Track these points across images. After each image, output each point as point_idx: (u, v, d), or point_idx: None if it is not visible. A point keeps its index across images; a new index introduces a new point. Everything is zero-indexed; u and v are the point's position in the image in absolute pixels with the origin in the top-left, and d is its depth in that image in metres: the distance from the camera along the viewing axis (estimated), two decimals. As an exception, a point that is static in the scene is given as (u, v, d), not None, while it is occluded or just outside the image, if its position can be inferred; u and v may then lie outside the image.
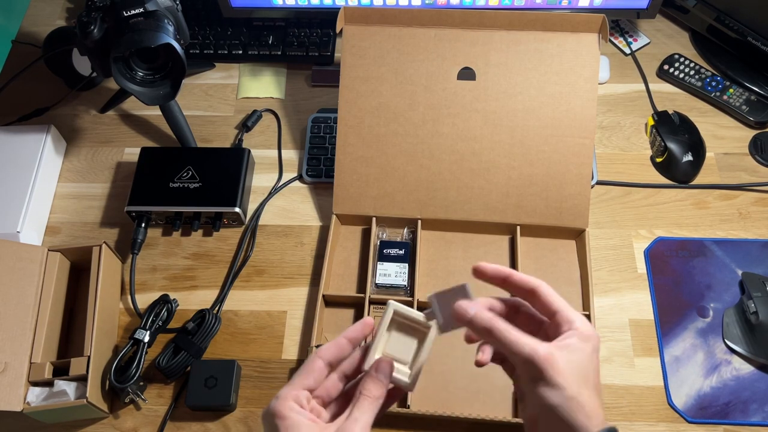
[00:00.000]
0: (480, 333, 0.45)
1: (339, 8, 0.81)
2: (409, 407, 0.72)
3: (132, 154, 0.95)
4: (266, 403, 0.74)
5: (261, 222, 0.89)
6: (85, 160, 0.95)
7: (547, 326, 0.46)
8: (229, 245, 0.87)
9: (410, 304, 0.78)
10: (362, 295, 0.79)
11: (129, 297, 0.82)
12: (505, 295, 0.50)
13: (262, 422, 0.45)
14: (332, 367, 0.46)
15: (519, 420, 0.71)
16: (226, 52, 1.02)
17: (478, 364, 0.46)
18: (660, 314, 0.80)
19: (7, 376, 0.69)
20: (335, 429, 0.43)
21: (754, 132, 0.94)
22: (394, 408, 0.72)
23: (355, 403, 0.44)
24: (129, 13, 0.74)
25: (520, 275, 0.47)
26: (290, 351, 0.79)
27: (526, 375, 0.42)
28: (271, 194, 0.91)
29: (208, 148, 0.92)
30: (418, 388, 0.74)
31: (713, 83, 0.96)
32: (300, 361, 0.78)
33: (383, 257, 0.82)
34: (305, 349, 0.78)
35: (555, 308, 0.45)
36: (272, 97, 1.00)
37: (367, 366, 0.46)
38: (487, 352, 0.46)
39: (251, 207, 0.90)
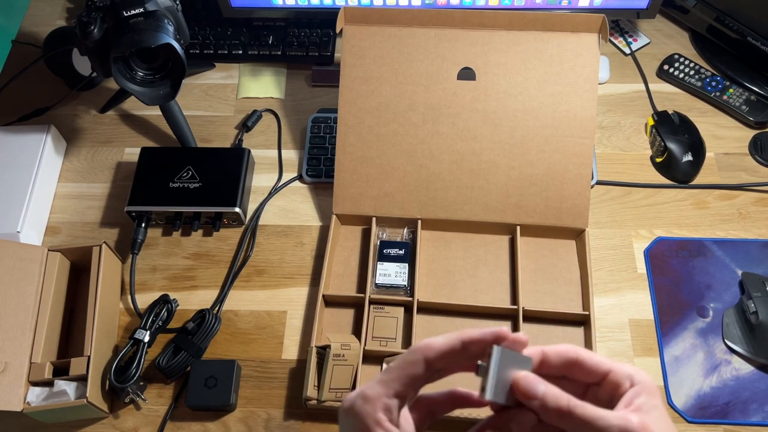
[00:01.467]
0: (549, 413, 0.36)
1: (339, 8, 0.81)
2: (409, 407, 0.72)
3: (132, 154, 0.95)
4: (266, 404, 0.75)
5: (261, 222, 0.89)
6: (85, 160, 0.95)
7: (596, 389, 0.40)
8: (229, 245, 0.87)
9: (410, 305, 0.78)
10: (362, 295, 0.79)
11: (129, 297, 0.82)
12: None
13: (339, 420, 0.38)
14: (433, 369, 0.37)
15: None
16: (226, 52, 1.02)
17: None
18: (660, 314, 0.80)
19: (7, 376, 0.69)
20: None
21: (753, 132, 0.94)
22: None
23: None
24: (129, 13, 0.74)
25: (553, 348, 0.39)
26: (290, 351, 0.79)
27: None
28: (271, 194, 0.91)
29: (208, 148, 0.92)
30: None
31: (713, 83, 0.96)
32: (301, 361, 0.78)
33: (383, 257, 0.82)
34: (305, 349, 0.78)
35: (606, 368, 0.39)
36: (272, 97, 1.00)
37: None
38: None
39: (251, 207, 0.90)
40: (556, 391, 0.36)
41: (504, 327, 0.37)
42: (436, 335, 0.37)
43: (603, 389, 0.40)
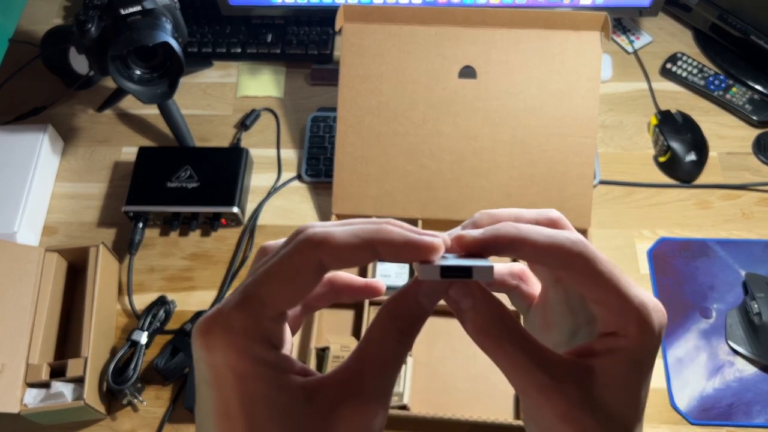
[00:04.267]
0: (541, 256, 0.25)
1: (338, 6, 0.81)
2: (409, 409, 0.71)
3: (130, 153, 0.94)
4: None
5: (260, 222, 0.88)
6: (82, 159, 0.95)
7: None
8: (227, 245, 0.86)
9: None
10: (362, 295, 0.79)
11: (126, 298, 0.82)
12: None
13: (195, 357, 0.25)
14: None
15: (520, 422, 0.70)
16: (224, 50, 1.02)
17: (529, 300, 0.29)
18: (663, 315, 0.79)
19: (4, 377, 0.68)
20: (329, 406, 0.24)
21: (757, 131, 0.93)
22: (393, 411, 0.71)
23: (373, 358, 0.25)
24: (127, 12, 0.74)
25: (544, 238, 0.25)
26: (289, 352, 0.78)
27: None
28: (269, 194, 0.90)
29: (207, 147, 0.91)
30: (418, 390, 0.74)
31: (716, 82, 0.96)
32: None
33: (383, 258, 0.82)
34: (305, 350, 0.78)
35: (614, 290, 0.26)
36: (271, 96, 1.00)
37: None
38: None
39: (250, 207, 0.89)
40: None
41: (440, 237, 0.25)
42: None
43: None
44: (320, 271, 0.25)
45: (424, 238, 0.25)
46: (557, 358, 0.26)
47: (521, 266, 0.31)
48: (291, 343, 0.29)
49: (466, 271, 0.23)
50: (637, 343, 0.25)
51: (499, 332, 0.25)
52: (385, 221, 0.25)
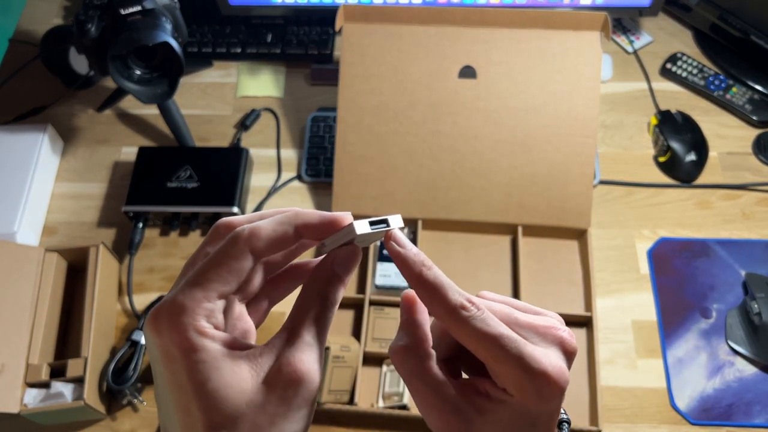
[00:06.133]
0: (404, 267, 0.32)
1: (338, 6, 0.81)
2: (409, 409, 0.71)
3: (129, 153, 0.94)
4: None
5: (260, 222, 0.88)
6: (82, 159, 0.95)
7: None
8: (227, 245, 0.86)
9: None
10: (362, 295, 0.78)
11: (126, 298, 0.81)
12: None
13: (147, 342, 0.29)
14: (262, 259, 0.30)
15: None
16: (224, 50, 1.01)
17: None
18: (663, 315, 0.79)
19: (3, 377, 0.68)
20: (272, 363, 0.28)
21: (757, 131, 0.93)
22: (393, 411, 0.71)
23: (302, 317, 0.30)
24: (127, 12, 0.74)
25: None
26: (289, 352, 0.78)
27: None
28: (269, 194, 0.90)
29: (206, 147, 0.91)
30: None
31: (716, 82, 0.95)
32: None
33: (383, 258, 0.82)
34: (304, 350, 0.78)
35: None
36: (271, 96, 1.00)
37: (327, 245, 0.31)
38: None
39: (250, 207, 0.89)
40: (419, 254, 0.32)
41: (348, 213, 0.30)
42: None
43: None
44: (252, 259, 0.28)
45: (335, 213, 0.30)
46: (453, 396, 0.30)
47: None
48: (253, 333, 0.33)
49: (384, 221, 0.30)
50: (526, 403, 0.29)
51: (411, 367, 0.31)
52: (293, 208, 0.30)
